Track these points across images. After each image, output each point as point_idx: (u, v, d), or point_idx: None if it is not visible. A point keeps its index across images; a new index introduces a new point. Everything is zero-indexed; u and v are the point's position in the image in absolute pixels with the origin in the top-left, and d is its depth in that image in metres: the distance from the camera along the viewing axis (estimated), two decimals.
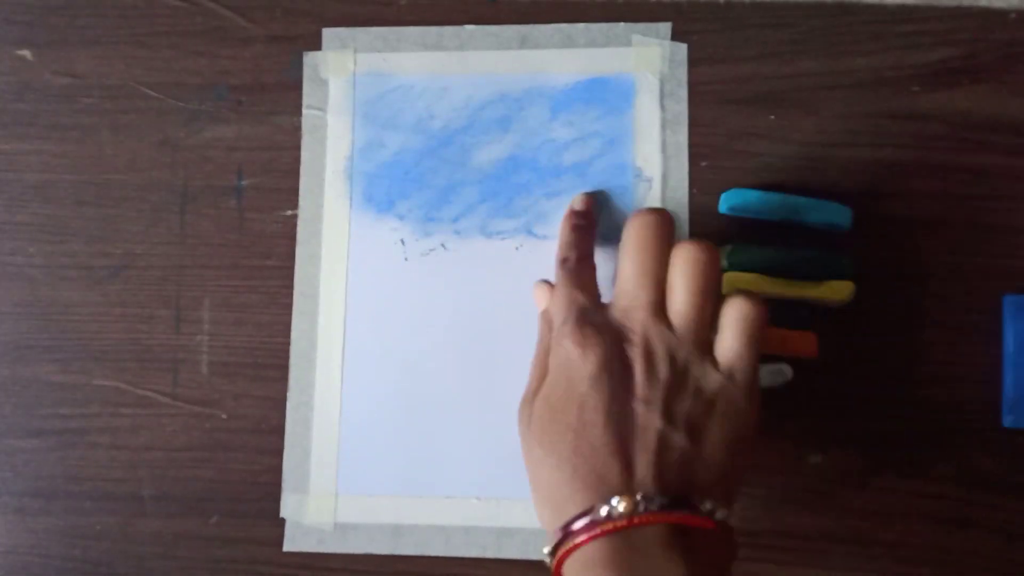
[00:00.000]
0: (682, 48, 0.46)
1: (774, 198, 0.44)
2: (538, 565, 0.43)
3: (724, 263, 0.43)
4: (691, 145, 0.45)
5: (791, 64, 0.46)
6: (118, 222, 0.47)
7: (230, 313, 0.46)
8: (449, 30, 0.47)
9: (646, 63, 0.46)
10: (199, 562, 0.45)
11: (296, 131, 0.47)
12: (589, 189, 0.45)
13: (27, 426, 0.46)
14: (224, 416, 0.46)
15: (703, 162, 0.45)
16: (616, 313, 0.37)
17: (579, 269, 0.40)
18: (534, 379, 0.38)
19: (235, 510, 0.45)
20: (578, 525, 0.34)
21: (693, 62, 0.46)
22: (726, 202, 0.44)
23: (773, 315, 0.43)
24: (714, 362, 0.37)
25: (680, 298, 0.37)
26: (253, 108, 0.47)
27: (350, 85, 0.47)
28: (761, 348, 0.37)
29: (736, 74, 0.46)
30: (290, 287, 0.46)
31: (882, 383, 0.43)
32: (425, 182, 0.46)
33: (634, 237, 0.38)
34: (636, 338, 0.36)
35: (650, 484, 0.34)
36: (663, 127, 0.46)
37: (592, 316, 0.37)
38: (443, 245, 0.46)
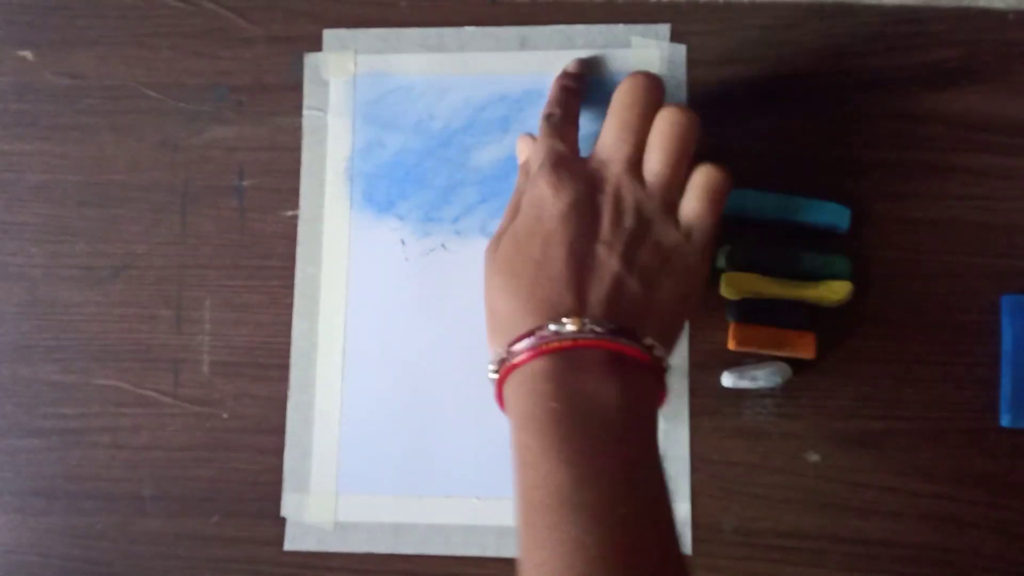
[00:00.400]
0: (681, 49, 0.46)
1: (773, 198, 0.44)
2: None
3: (723, 263, 0.44)
4: None
5: (790, 65, 0.46)
6: (119, 222, 0.47)
7: (231, 313, 0.46)
8: (449, 31, 0.47)
9: (645, 64, 0.46)
10: (200, 561, 0.45)
11: (297, 132, 0.47)
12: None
13: (28, 426, 0.46)
14: (225, 416, 0.46)
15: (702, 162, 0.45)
16: (593, 163, 0.40)
17: (562, 124, 0.42)
18: (506, 219, 0.40)
19: (236, 510, 0.45)
20: (523, 344, 0.36)
21: (692, 63, 0.46)
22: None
23: (772, 315, 0.43)
24: (676, 222, 0.39)
25: (656, 157, 0.39)
26: (254, 109, 0.47)
27: (351, 86, 0.47)
28: (718, 213, 0.39)
29: (735, 75, 0.46)
30: (291, 287, 0.46)
31: (880, 383, 0.43)
32: (425, 182, 0.47)
33: (622, 95, 0.40)
34: (608, 187, 0.39)
35: (599, 314, 0.36)
36: None
37: (569, 163, 0.39)
38: (443, 245, 0.46)
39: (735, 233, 0.44)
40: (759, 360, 0.44)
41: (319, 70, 0.47)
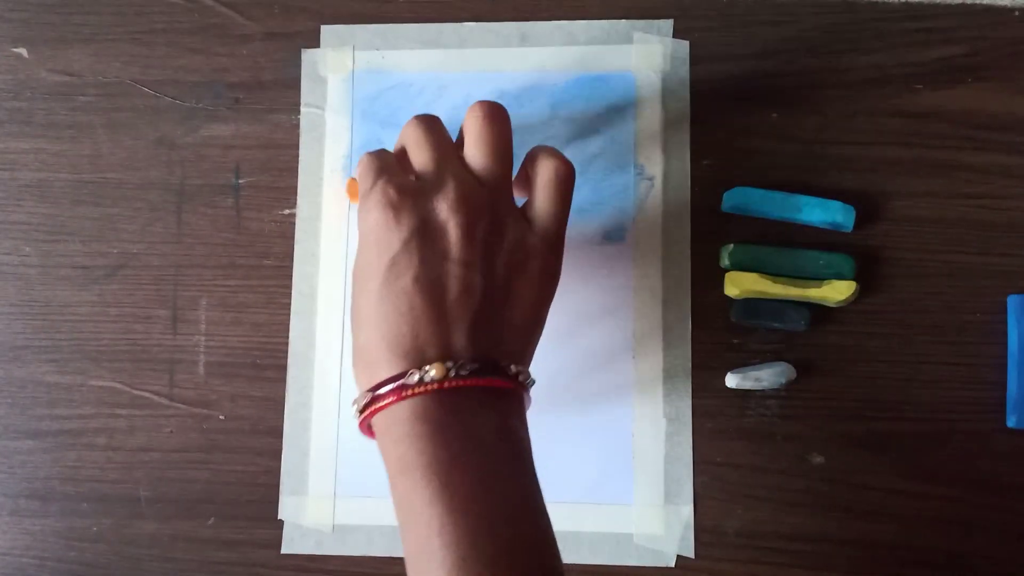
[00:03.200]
0: (684, 45, 0.46)
1: (776, 197, 0.43)
2: None
3: (727, 262, 0.43)
4: (693, 143, 0.45)
5: (793, 62, 0.45)
6: (114, 221, 0.47)
7: (227, 313, 0.46)
8: (448, 27, 0.47)
9: (647, 61, 0.46)
10: (196, 564, 0.45)
11: (294, 129, 0.47)
12: (589, 188, 0.45)
13: (23, 427, 0.46)
14: (221, 417, 0.45)
15: (705, 160, 0.45)
16: (428, 172, 0.37)
17: (384, 152, 0.39)
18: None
19: (232, 512, 0.45)
20: (387, 388, 0.34)
21: (695, 59, 0.45)
22: (728, 201, 0.44)
23: (776, 315, 0.43)
24: (527, 219, 0.37)
25: (478, 152, 0.37)
26: (251, 106, 0.47)
27: (348, 83, 0.47)
28: (568, 208, 0.38)
29: (738, 72, 0.45)
30: (288, 287, 0.46)
31: (885, 384, 0.43)
32: None
33: (406, 131, 0.39)
34: (452, 194, 0.36)
35: (463, 350, 0.34)
36: (664, 125, 0.45)
37: (401, 177, 0.37)
38: None
39: (739, 232, 0.44)
40: (763, 361, 0.43)
41: (317, 67, 0.47)
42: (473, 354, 0.34)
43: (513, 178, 0.39)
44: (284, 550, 0.44)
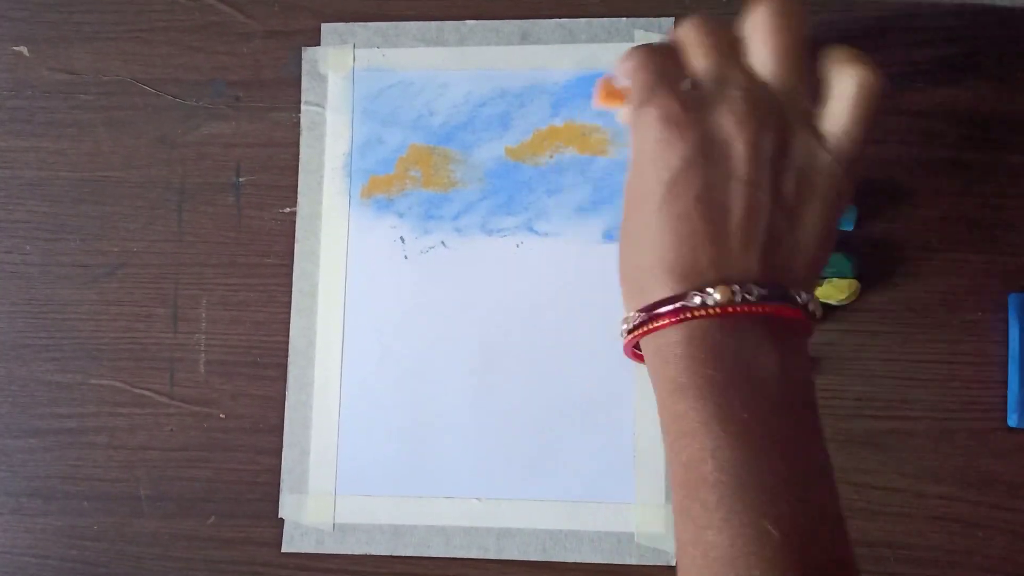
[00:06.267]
0: None
1: None
2: (539, 566, 0.43)
3: None
4: None
5: None
6: (115, 220, 0.47)
7: (228, 311, 0.46)
8: (449, 25, 0.47)
9: None
10: (196, 563, 0.45)
11: (295, 127, 0.47)
12: (590, 187, 0.45)
13: (24, 426, 0.46)
14: (222, 416, 0.45)
15: None
16: (709, 80, 0.33)
17: (660, 46, 0.35)
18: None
19: (233, 510, 0.45)
20: (664, 310, 0.31)
21: None
22: None
23: None
24: (819, 135, 0.33)
25: (765, 52, 0.33)
26: (251, 104, 0.47)
27: (349, 81, 0.47)
28: (871, 128, 0.33)
29: None
30: (288, 285, 0.46)
31: (886, 382, 0.43)
32: None
33: (680, 30, 0.34)
34: (737, 106, 0.32)
35: (749, 274, 0.31)
36: None
37: (680, 87, 0.33)
38: (443, 243, 0.45)
39: None
40: None
41: (317, 65, 0.47)
42: (759, 279, 0.31)
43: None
44: (284, 548, 0.44)
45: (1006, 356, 0.43)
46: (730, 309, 0.31)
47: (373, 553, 0.44)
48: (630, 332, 0.33)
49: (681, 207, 0.31)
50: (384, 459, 0.44)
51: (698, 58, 0.33)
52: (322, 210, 0.46)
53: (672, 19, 0.46)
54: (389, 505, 0.44)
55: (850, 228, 0.43)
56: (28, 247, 0.47)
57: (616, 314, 0.44)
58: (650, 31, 0.46)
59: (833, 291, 0.42)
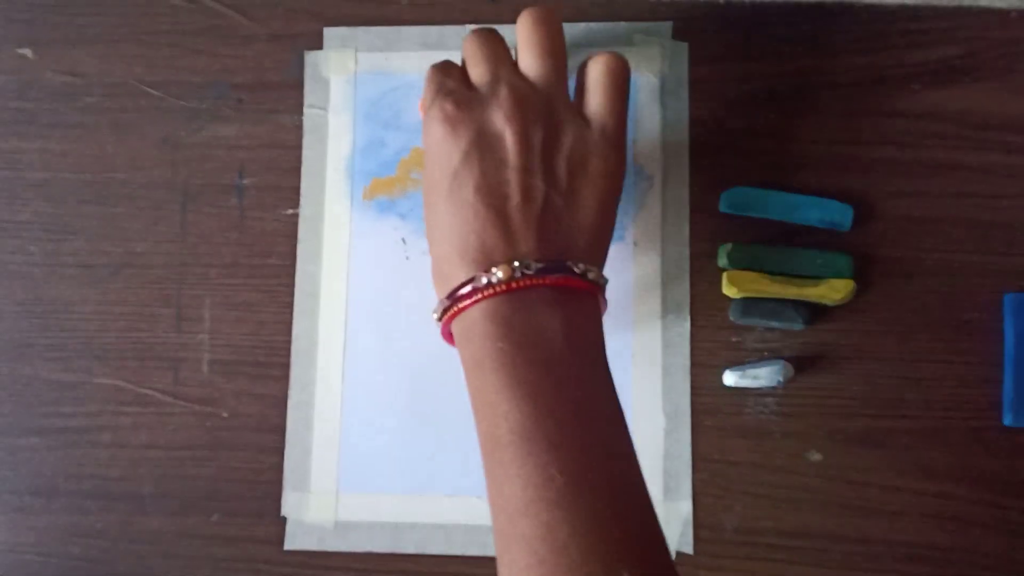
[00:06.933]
0: (683, 47, 0.46)
1: (774, 197, 0.44)
2: None
3: (725, 262, 0.43)
4: (692, 144, 0.45)
5: (791, 63, 0.45)
6: (119, 220, 0.47)
7: (231, 311, 0.46)
8: (450, 29, 0.47)
9: (647, 62, 0.46)
10: (200, 561, 0.45)
11: (297, 130, 0.47)
12: None
13: (28, 424, 0.46)
14: (225, 414, 0.46)
15: (703, 161, 0.45)
16: (483, 84, 0.38)
17: (446, 63, 0.40)
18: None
19: (236, 508, 0.45)
20: (460, 293, 0.36)
21: (694, 61, 0.46)
22: (726, 201, 0.44)
23: (774, 314, 0.43)
24: (586, 119, 0.38)
25: (530, 53, 0.38)
26: (254, 106, 0.47)
27: (351, 84, 0.47)
28: (626, 103, 0.38)
29: (736, 73, 0.46)
30: (291, 285, 0.46)
31: (883, 381, 0.43)
32: None
33: (465, 44, 0.40)
34: (505, 102, 0.37)
35: (530, 252, 0.36)
36: (664, 126, 0.46)
37: (458, 91, 0.38)
38: None
39: (737, 232, 0.44)
40: (761, 359, 0.44)
41: (320, 68, 0.47)
42: (538, 255, 0.36)
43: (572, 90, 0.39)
44: (287, 546, 0.45)
45: (1002, 356, 0.43)
46: (513, 284, 0.35)
47: (374, 551, 0.44)
48: (440, 318, 0.37)
49: (464, 196, 0.36)
50: (385, 457, 0.45)
51: (474, 66, 0.39)
52: (324, 212, 0.46)
53: (669, 23, 0.46)
54: (390, 503, 0.44)
55: (847, 229, 0.43)
56: (33, 247, 0.48)
57: (616, 313, 0.44)
58: (648, 35, 0.46)
59: (830, 291, 0.42)
